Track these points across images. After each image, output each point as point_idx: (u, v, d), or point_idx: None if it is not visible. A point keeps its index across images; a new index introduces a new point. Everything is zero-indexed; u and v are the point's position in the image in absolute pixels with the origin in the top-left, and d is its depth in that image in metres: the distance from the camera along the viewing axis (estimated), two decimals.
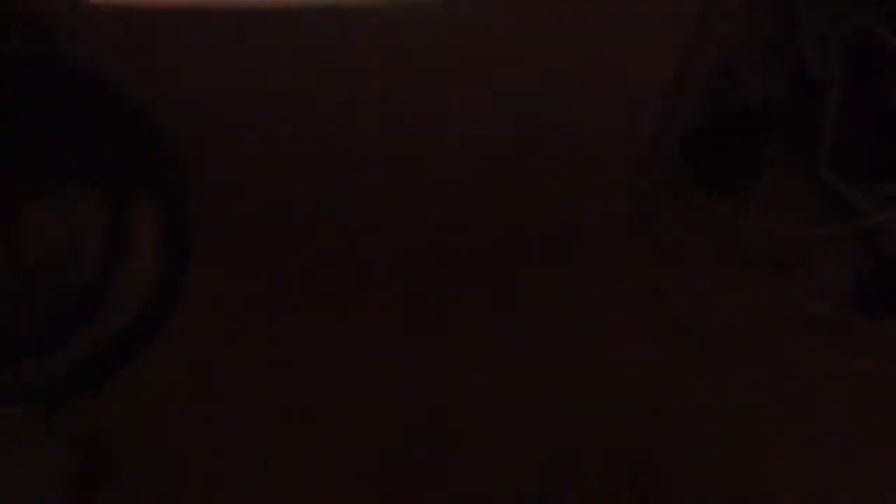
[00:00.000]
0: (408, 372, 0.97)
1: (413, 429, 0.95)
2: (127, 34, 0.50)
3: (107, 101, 0.83)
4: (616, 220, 0.95)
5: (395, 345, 0.98)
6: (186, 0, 0.46)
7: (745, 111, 0.95)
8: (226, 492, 0.94)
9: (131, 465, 0.95)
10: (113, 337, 0.93)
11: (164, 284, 0.95)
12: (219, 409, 0.96)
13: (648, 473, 0.93)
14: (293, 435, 0.96)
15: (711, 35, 0.54)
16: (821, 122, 0.95)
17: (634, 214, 0.97)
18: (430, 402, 0.96)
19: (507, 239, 0.96)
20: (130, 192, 0.95)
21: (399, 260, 0.98)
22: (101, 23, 0.48)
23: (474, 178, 0.70)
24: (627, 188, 0.86)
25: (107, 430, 0.95)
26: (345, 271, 0.99)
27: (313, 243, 0.94)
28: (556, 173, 0.71)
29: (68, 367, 0.93)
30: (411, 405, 0.96)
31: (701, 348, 0.96)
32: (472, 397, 0.96)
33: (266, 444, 0.95)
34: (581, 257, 0.98)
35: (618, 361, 0.97)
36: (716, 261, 0.99)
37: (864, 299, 0.97)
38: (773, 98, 0.96)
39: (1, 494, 0.88)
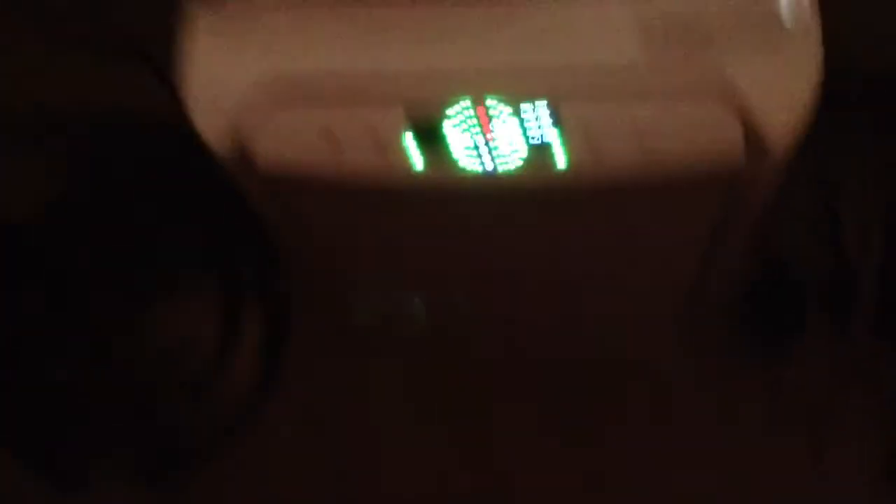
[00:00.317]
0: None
1: None
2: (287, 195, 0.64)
3: (230, 214, 0.98)
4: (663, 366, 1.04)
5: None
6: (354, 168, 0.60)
7: (787, 280, 1.06)
8: None
9: None
10: (216, 425, 1.06)
11: (263, 382, 1.08)
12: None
13: None
14: None
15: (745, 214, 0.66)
16: (860, 291, 1.05)
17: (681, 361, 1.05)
18: None
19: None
20: (242, 297, 1.09)
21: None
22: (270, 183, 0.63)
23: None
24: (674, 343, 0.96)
25: None
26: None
27: None
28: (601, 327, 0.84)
29: (175, 449, 1.06)
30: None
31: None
32: None
33: None
34: (628, 387, 1.05)
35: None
36: (751, 416, 1.06)
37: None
38: (814, 270, 1.07)
39: None
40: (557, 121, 0.57)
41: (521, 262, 0.70)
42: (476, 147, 0.58)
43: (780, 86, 0.57)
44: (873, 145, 1.11)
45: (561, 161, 0.57)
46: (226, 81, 0.60)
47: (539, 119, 0.57)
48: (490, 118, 0.57)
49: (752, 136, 0.57)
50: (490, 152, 0.58)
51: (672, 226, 0.64)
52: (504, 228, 0.65)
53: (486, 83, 0.57)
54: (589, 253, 0.68)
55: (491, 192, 0.59)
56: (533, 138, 0.57)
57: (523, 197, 0.60)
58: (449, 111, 0.57)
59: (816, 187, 1.09)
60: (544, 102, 0.56)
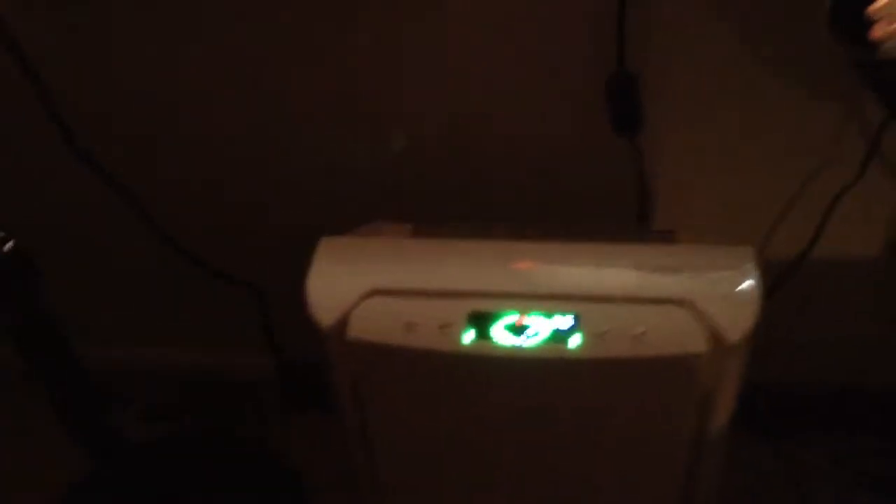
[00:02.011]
0: None
1: None
2: (374, 366, 0.86)
3: None
4: None
5: None
6: (426, 344, 0.82)
7: None
8: None
9: None
10: None
11: None
12: None
13: None
14: None
15: None
16: None
17: None
18: None
19: None
20: None
21: None
22: (357, 354, 0.85)
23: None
24: None
25: None
26: None
27: None
28: None
29: None
30: None
31: None
32: None
33: None
34: None
35: None
36: None
37: None
38: None
39: None
40: (575, 318, 0.80)
41: (531, 434, 0.89)
42: (512, 332, 0.81)
43: (726, 307, 0.80)
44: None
45: (573, 342, 0.79)
46: (338, 290, 0.86)
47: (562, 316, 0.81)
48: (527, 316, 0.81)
49: (712, 334, 0.79)
50: (524, 333, 0.81)
51: (657, 408, 0.84)
52: (523, 404, 0.85)
53: (530, 306, 0.82)
54: (586, 424, 0.87)
55: (519, 365, 0.81)
56: (555, 328, 0.80)
57: (541, 373, 0.82)
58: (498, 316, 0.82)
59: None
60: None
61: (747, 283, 0.82)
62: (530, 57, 1.01)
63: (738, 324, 0.80)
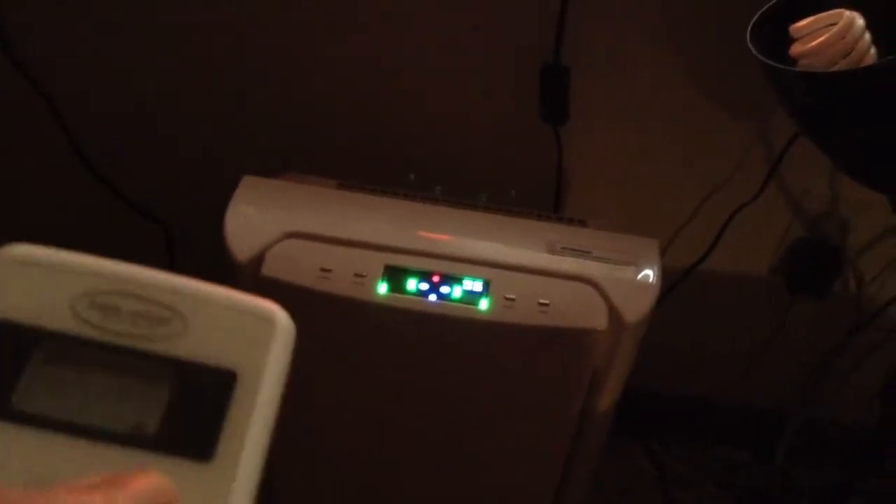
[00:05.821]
0: None
1: None
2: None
3: None
4: None
5: None
6: (340, 291, 0.83)
7: None
8: None
9: None
10: None
11: None
12: None
13: None
14: None
15: None
16: None
17: None
18: None
19: None
20: None
21: None
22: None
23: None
24: None
25: None
26: None
27: None
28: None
29: None
30: None
31: None
32: None
33: None
34: None
35: None
36: None
37: None
38: None
39: None
40: (485, 283, 0.83)
41: (432, 389, 0.91)
42: (425, 289, 0.83)
43: (627, 290, 0.85)
44: None
45: (483, 305, 0.82)
46: (256, 227, 0.86)
47: (473, 280, 0.84)
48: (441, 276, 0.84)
49: (613, 313, 0.83)
50: (435, 292, 0.83)
51: (554, 377, 0.87)
52: (427, 359, 0.88)
53: (445, 267, 0.84)
54: (486, 385, 0.90)
55: (427, 321, 0.84)
56: (466, 289, 0.83)
57: (448, 331, 0.84)
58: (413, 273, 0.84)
59: None
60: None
61: (649, 272, 0.87)
62: (472, 35, 1.04)
63: (636, 307, 0.84)
